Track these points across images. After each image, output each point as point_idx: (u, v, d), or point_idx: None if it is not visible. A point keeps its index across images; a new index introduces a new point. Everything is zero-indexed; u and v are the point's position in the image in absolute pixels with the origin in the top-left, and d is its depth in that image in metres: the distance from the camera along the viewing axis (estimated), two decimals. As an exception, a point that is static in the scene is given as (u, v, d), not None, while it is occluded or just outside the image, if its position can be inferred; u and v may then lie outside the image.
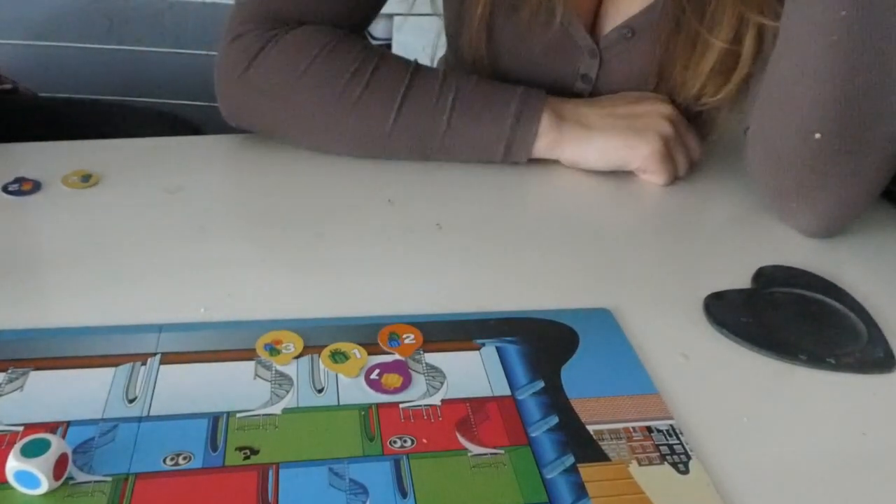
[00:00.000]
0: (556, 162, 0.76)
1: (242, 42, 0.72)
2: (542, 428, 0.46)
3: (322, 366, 0.49)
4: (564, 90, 0.77)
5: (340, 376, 0.49)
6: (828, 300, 0.59)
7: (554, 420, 0.46)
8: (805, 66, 0.57)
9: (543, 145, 0.72)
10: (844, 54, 0.55)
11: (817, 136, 0.58)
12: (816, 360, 0.53)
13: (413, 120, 0.71)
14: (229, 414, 0.45)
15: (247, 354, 0.50)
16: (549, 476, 0.43)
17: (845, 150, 0.59)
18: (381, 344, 0.51)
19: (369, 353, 0.50)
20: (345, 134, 0.72)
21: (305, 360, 0.50)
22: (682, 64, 0.71)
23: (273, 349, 0.50)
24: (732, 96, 0.71)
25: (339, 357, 0.50)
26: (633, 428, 0.46)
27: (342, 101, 0.70)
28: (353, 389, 0.48)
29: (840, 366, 0.53)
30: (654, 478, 0.43)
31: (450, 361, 0.50)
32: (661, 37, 0.71)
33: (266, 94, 0.71)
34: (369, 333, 0.52)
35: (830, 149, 0.59)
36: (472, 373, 0.50)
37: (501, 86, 0.72)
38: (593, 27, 0.75)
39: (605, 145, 0.72)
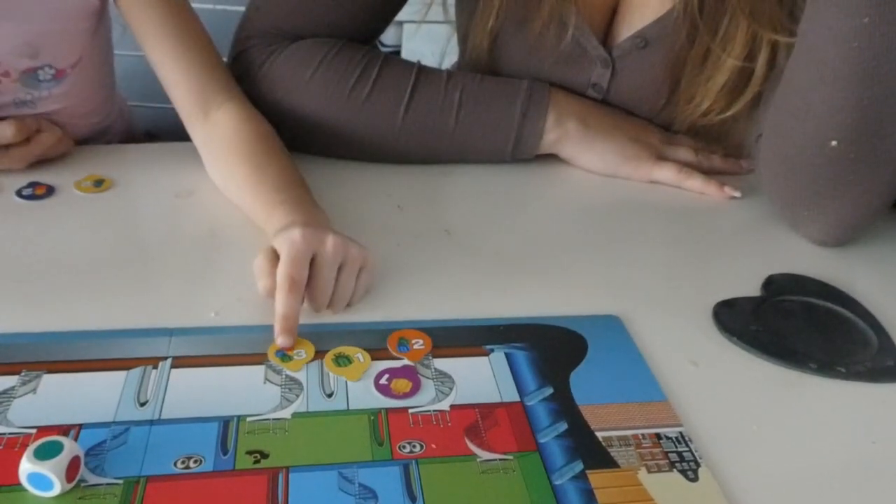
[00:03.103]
0: (564, 169, 0.76)
1: (246, 56, 0.73)
2: (550, 434, 0.46)
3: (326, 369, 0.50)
4: None
5: (350, 381, 0.49)
6: (838, 309, 0.58)
7: (563, 426, 0.46)
8: (824, 74, 0.57)
9: (549, 141, 0.74)
10: (865, 61, 0.55)
11: (833, 143, 0.58)
12: (826, 368, 0.53)
13: (421, 119, 0.71)
14: (240, 418, 0.46)
15: (257, 358, 0.50)
16: (557, 482, 0.43)
17: (861, 158, 0.59)
18: (390, 349, 0.51)
19: (376, 358, 0.50)
20: (353, 137, 0.73)
21: (315, 364, 0.50)
22: (693, 79, 0.72)
23: (285, 356, 0.50)
24: (740, 113, 0.72)
25: (342, 360, 0.50)
26: (642, 435, 0.46)
27: (349, 105, 0.71)
28: (362, 394, 0.48)
29: (850, 374, 0.52)
30: (663, 485, 0.43)
31: (459, 367, 0.51)
32: (674, 48, 0.71)
33: (273, 104, 0.71)
34: (379, 338, 0.52)
35: (846, 157, 0.59)
36: (481, 378, 0.50)
37: (506, 81, 0.73)
38: (605, 37, 0.75)
39: (603, 150, 0.74)
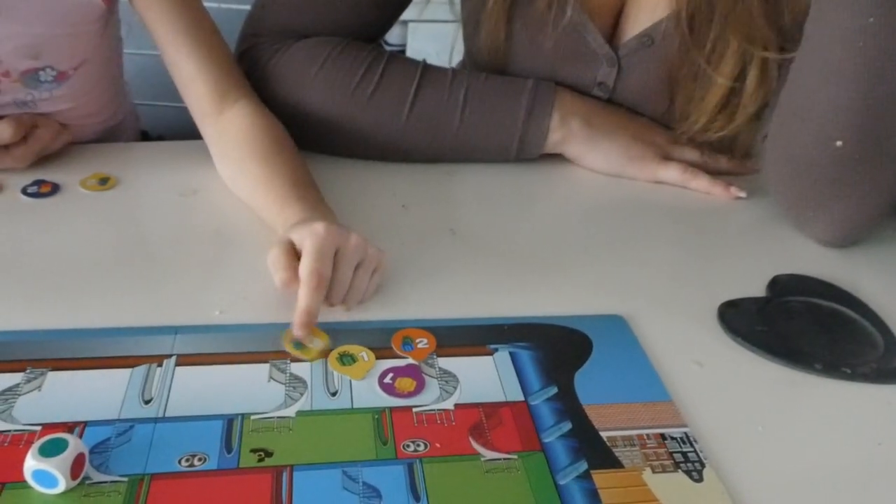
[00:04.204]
0: (569, 169, 0.76)
1: (251, 54, 0.73)
2: (555, 434, 0.46)
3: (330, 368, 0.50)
4: None
5: (354, 380, 0.49)
6: (843, 309, 0.58)
7: (567, 426, 0.46)
8: (829, 73, 0.57)
9: (553, 140, 0.73)
10: (870, 61, 0.55)
11: (838, 143, 0.58)
12: (832, 369, 0.53)
13: (426, 116, 0.71)
14: (244, 416, 0.46)
15: (262, 357, 0.50)
16: (562, 482, 0.43)
17: (865, 158, 0.59)
18: (394, 348, 0.51)
19: (380, 357, 0.50)
20: (357, 135, 0.73)
21: (319, 363, 0.50)
22: (686, 97, 0.72)
23: (299, 344, 0.51)
24: (741, 128, 0.72)
25: (346, 359, 0.50)
26: (647, 435, 0.46)
27: (354, 100, 0.71)
28: (366, 393, 0.48)
29: (856, 375, 0.52)
30: (667, 485, 0.43)
31: (463, 366, 0.50)
32: (676, 49, 0.71)
33: (277, 102, 0.71)
34: (383, 337, 0.52)
35: (850, 157, 0.59)
36: (485, 378, 0.50)
37: (511, 80, 0.73)
38: (612, 36, 0.75)
39: (608, 149, 0.74)
